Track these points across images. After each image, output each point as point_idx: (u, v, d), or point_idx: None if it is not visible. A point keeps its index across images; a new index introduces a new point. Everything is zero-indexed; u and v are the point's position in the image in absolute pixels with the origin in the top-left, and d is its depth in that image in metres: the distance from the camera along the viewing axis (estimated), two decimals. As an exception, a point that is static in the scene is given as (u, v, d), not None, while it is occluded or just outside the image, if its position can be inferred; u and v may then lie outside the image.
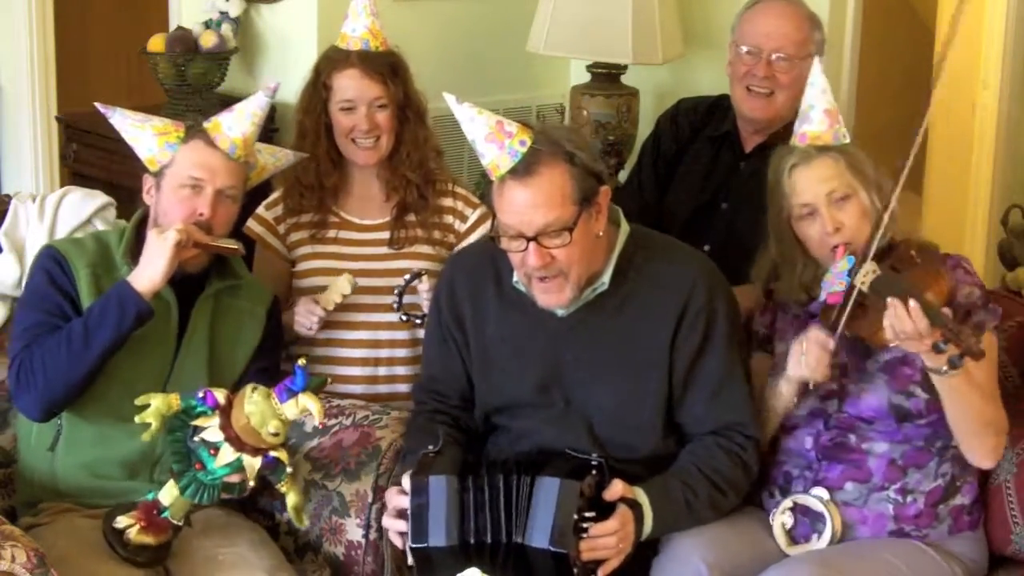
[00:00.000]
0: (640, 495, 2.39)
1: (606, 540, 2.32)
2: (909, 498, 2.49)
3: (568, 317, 2.51)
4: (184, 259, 2.54)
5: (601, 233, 2.46)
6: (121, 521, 2.46)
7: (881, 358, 2.51)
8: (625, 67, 4.03)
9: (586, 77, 4.10)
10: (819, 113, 2.58)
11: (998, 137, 4.59)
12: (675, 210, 3.22)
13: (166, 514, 2.45)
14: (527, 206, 2.36)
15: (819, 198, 2.51)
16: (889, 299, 2.30)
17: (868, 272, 2.40)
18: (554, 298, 2.46)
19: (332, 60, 2.96)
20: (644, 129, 3.73)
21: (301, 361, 2.38)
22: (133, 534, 2.44)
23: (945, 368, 2.32)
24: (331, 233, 3.01)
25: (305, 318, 2.87)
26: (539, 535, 2.29)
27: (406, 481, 2.42)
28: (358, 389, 2.97)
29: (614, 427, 2.51)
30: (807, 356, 2.44)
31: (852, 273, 2.43)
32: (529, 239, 2.37)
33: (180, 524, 2.48)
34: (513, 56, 4.06)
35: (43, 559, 2.24)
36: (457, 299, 2.61)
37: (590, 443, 2.49)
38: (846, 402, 2.51)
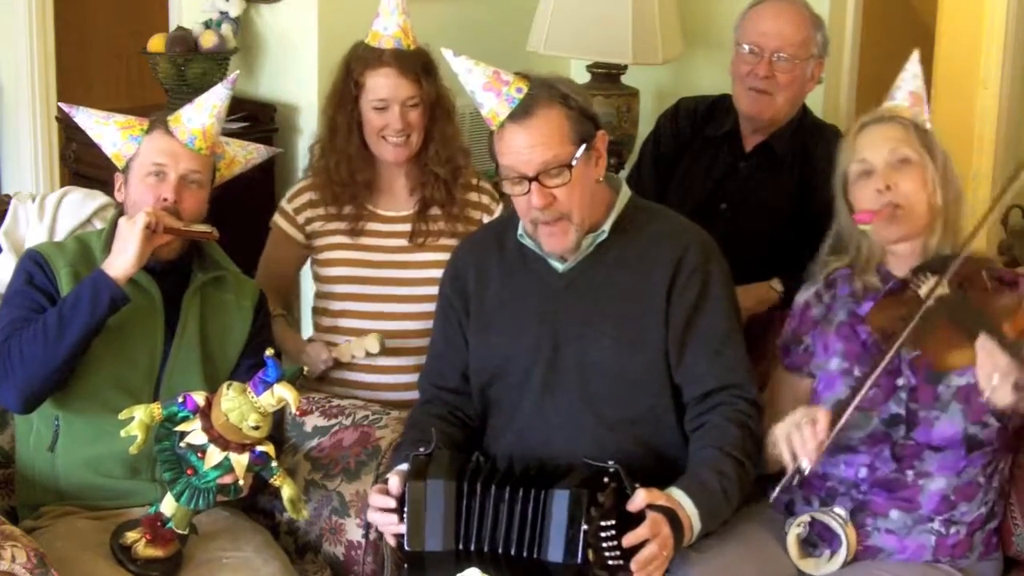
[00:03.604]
0: (680, 496, 2.36)
1: (650, 549, 2.27)
2: (952, 529, 2.44)
3: (567, 273, 2.55)
4: (157, 246, 2.56)
5: (600, 179, 2.52)
6: (128, 537, 2.46)
7: (954, 383, 2.41)
8: (625, 67, 4.03)
9: (586, 77, 4.10)
10: (904, 93, 2.56)
11: (998, 137, 4.60)
12: (675, 210, 3.20)
13: (170, 525, 2.46)
14: (526, 146, 2.44)
15: (879, 155, 2.45)
16: (982, 343, 2.20)
17: (934, 287, 2.32)
18: (559, 241, 2.50)
19: (365, 59, 2.97)
20: (644, 129, 3.73)
21: (269, 352, 2.39)
22: (140, 549, 2.45)
23: None
24: (360, 224, 3.04)
25: (313, 362, 2.93)
26: (554, 549, 2.28)
27: (393, 480, 2.43)
28: (382, 379, 3.01)
29: (609, 384, 2.51)
30: (794, 439, 2.33)
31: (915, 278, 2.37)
32: (531, 180, 2.43)
33: (186, 533, 2.49)
34: (513, 56, 4.05)
35: (43, 559, 2.24)
36: (460, 269, 2.67)
37: (585, 408, 2.50)
38: (916, 429, 2.41)
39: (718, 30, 3.84)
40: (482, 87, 2.48)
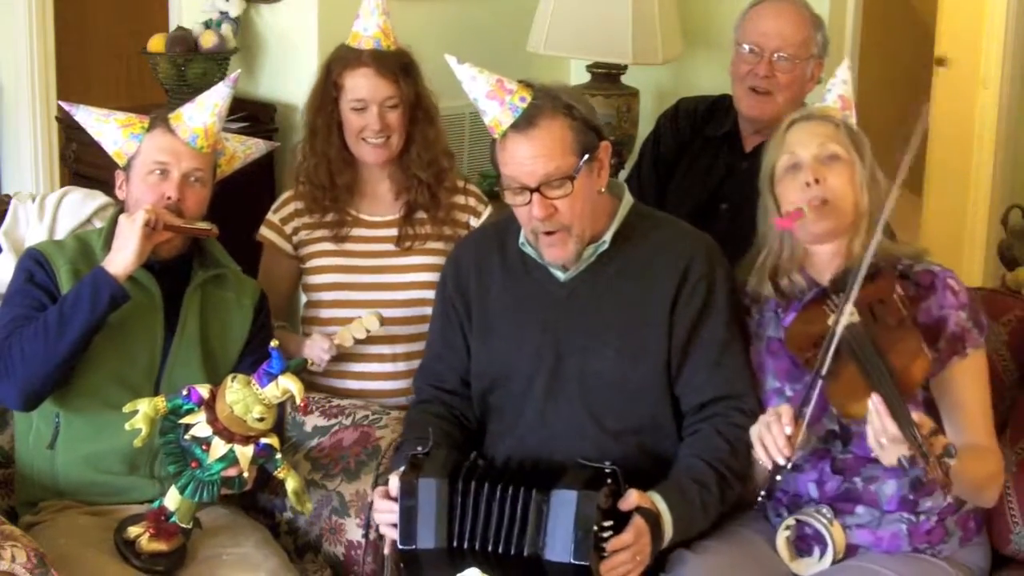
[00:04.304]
0: (659, 501, 2.37)
1: (623, 555, 2.30)
2: (922, 517, 2.44)
3: (569, 282, 2.54)
4: (158, 243, 2.57)
5: (603, 190, 2.51)
6: (132, 532, 2.47)
7: None
8: (625, 67, 4.04)
9: (586, 77, 4.10)
10: (834, 96, 2.58)
11: (998, 137, 4.61)
12: (675, 210, 3.21)
13: (174, 519, 2.46)
14: (529, 157, 2.43)
15: (808, 150, 2.45)
16: (874, 404, 2.20)
17: (846, 314, 2.30)
18: (558, 251, 2.50)
19: (344, 59, 2.96)
20: (644, 129, 3.73)
21: (274, 343, 2.39)
22: (144, 543, 2.45)
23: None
24: (344, 230, 3.02)
25: (316, 353, 2.90)
26: (560, 549, 2.27)
27: (393, 480, 2.43)
28: (382, 385, 2.99)
29: (611, 393, 2.51)
30: (765, 438, 2.32)
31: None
32: (532, 190, 2.42)
33: (190, 527, 2.49)
34: (513, 56, 4.05)
35: (43, 559, 2.24)
36: (462, 271, 2.65)
37: (586, 415, 2.50)
38: (852, 443, 2.43)
39: (718, 30, 3.84)
40: (485, 95, 2.47)
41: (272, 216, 3.08)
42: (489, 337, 2.61)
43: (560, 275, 2.55)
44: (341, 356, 2.96)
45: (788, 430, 2.30)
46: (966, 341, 2.40)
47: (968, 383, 2.40)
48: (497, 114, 2.45)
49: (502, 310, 2.60)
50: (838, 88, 2.59)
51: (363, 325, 2.89)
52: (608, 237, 2.52)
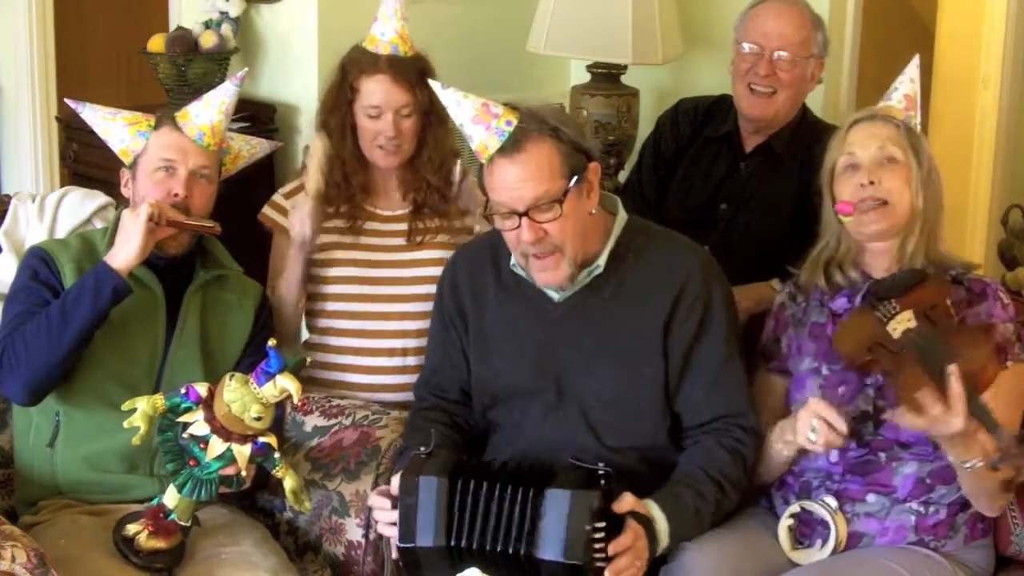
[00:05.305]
0: (653, 508, 2.37)
1: (625, 559, 2.30)
2: (931, 509, 2.45)
3: (564, 302, 2.53)
4: (162, 239, 2.58)
5: (594, 211, 2.49)
6: (130, 529, 2.47)
7: None
8: (625, 67, 4.03)
9: (586, 77, 4.10)
10: (900, 95, 2.60)
11: (998, 137, 4.59)
12: (675, 210, 3.22)
13: (173, 516, 2.46)
14: (516, 181, 2.41)
15: (867, 151, 2.49)
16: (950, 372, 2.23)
17: (902, 320, 2.35)
18: (551, 275, 2.48)
19: (360, 63, 2.94)
20: (644, 129, 3.73)
21: (272, 342, 2.39)
22: (143, 540, 2.45)
23: (978, 464, 2.28)
24: (356, 224, 3.02)
25: (297, 222, 2.87)
26: (552, 548, 2.27)
27: (395, 481, 2.42)
28: (389, 380, 2.99)
29: (610, 413, 2.50)
30: (818, 433, 2.38)
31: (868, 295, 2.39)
32: (521, 215, 2.41)
33: (188, 525, 2.49)
34: (513, 56, 4.06)
35: (43, 559, 2.24)
36: (458, 289, 2.65)
37: (587, 432, 2.50)
38: (884, 426, 2.44)
39: (718, 30, 3.84)
40: (471, 120, 2.44)
41: (280, 199, 3.05)
42: (487, 356, 2.60)
43: (554, 295, 2.53)
44: (348, 350, 2.97)
45: (843, 426, 2.36)
46: (1007, 353, 2.42)
47: (998, 393, 2.37)
48: (484, 138, 2.43)
49: (498, 328, 2.59)
50: (904, 87, 2.61)
51: (315, 153, 2.89)
52: (602, 261, 2.51)
